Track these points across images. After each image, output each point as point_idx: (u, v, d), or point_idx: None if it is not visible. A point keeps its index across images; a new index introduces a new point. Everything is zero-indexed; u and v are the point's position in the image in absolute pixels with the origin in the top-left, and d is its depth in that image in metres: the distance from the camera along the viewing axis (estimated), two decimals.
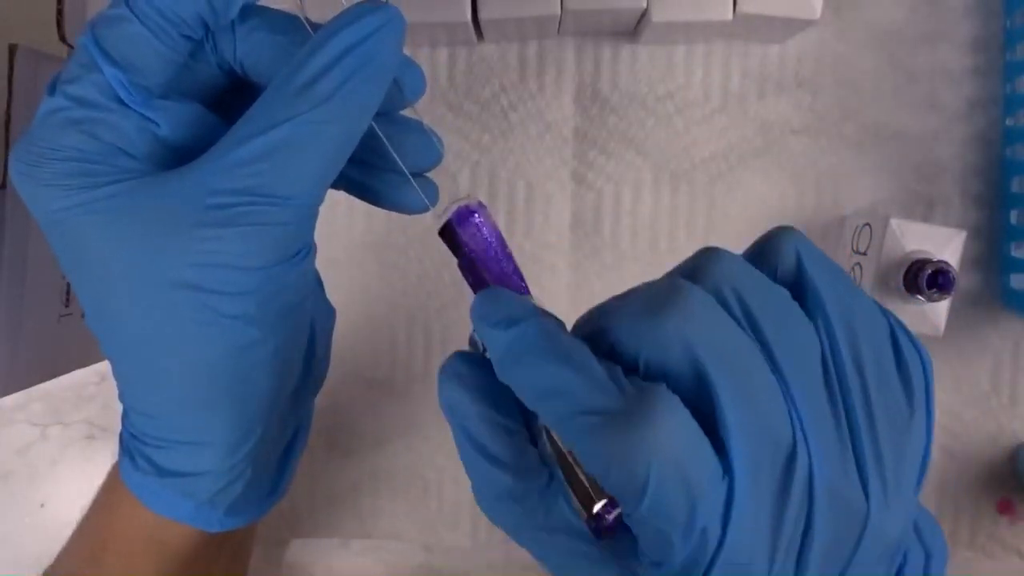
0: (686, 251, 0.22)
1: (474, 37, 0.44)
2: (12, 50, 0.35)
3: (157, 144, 0.24)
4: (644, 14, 0.41)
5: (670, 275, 0.21)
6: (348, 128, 0.23)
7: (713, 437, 0.18)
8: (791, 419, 0.19)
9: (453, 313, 0.46)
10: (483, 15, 0.41)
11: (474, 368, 0.22)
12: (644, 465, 0.17)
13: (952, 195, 0.45)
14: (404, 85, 0.26)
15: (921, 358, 0.20)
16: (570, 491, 0.21)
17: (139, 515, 0.28)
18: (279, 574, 0.47)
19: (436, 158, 0.27)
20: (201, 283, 0.23)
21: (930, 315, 0.40)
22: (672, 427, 0.18)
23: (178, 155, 0.25)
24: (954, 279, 0.37)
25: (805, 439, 0.19)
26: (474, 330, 0.22)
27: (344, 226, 0.46)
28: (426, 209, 0.27)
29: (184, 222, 0.23)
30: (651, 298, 0.20)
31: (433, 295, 0.46)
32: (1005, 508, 0.46)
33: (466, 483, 0.51)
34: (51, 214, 0.24)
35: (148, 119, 0.24)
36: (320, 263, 0.31)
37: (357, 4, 0.23)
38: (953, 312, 0.41)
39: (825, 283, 0.20)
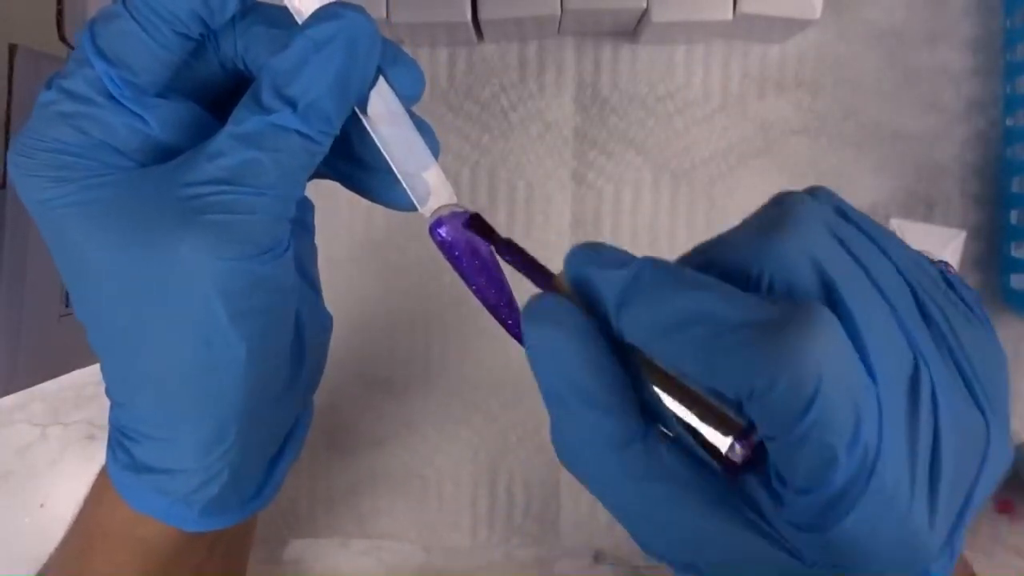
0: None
1: (474, 37, 0.44)
2: (12, 50, 0.35)
3: (148, 142, 0.24)
4: (644, 14, 0.41)
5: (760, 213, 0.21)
6: (317, 131, 0.24)
7: None
8: (908, 342, 0.18)
9: (453, 313, 0.46)
10: (483, 15, 0.41)
11: (569, 311, 0.21)
12: (814, 372, 0.17)
13: (952, 195, 0.45)
14: (396, 86, 0.26)
15: (975, 295, 0.21)
16: (699, 427, 0.19)
17: (121, 510, 0.28)
18: (279, 574, 0.47)
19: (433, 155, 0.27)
20: (170, 277, 0.23)
21: None
22: (834, 334, 0.17)
23: (170, 154, 0.25)
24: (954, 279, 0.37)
25: (925, 362, 0.18)
26: (574, 277, 0.21)
27: (344, 226, 0.46)
28: (415, 208, 0.27)
29: (157, 216, 0.23)
30: (767, 222, 0.19)
31: (433, 295, 0.46)
32: (1005, 508, 0.46)
33: (466, 483, 0.50)
34: (37, 204, 0.24)
35: (139, 117, 0.24)
36: (320, 263, 0.31)
37: (322, 8, 0.24)
38: None
39: (876, 233, 0.21)
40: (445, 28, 0.42)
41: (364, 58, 0.24)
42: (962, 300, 0.20)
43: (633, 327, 0.20)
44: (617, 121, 0.45)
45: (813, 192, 0.22)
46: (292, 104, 0.23)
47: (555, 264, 0.22)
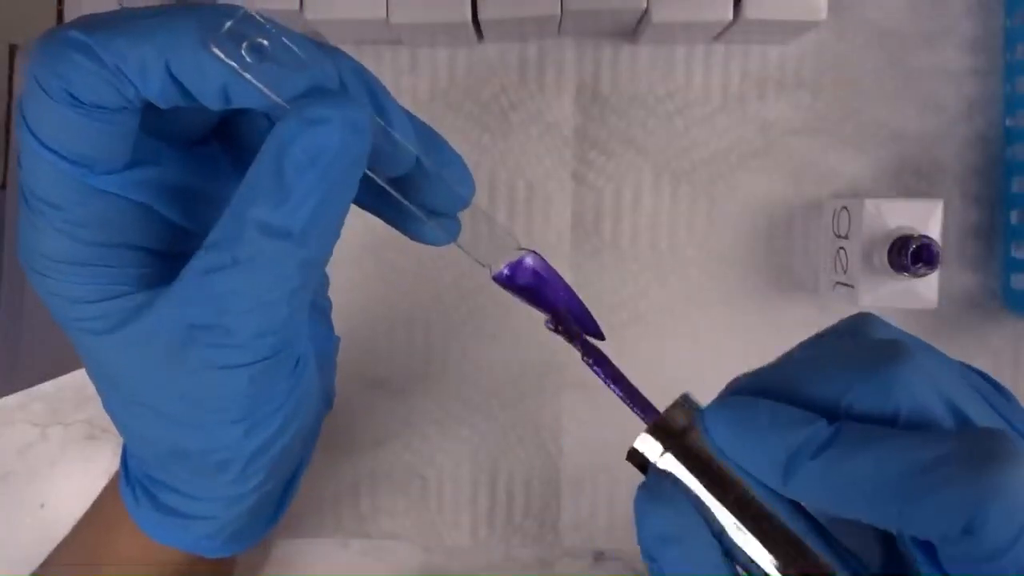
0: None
1: (474, 37, 0.44)
2: (12, 50, 0.35)
3: (153, 216, 0.23)
4: (644, 14, 0.41)
5: (838, 335, 0.21)
6: (317, 249, 0.22)
7: None
8: None
9: (453, 314, 0.46)
10: (483, 15, 0.41)
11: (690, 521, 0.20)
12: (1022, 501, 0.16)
13: (952, 195, 0.45)
14: (454, 191, 0.25)
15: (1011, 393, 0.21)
16: None
17: (138, 538, 0.29)
18: (278, 574, 0.47)
19: (461, 204, 0.26)
20: (188, 388, 0.23)
21: (921, 290, 0.39)
22: None
23: (188, 195, 0.24)
24: (937, 252, 0.36)
25: None
26: (724, 443, 0.20)
27: (344, 226, 0.46)
28: (448, 243, 0.26)
29: (168, 339, 0.22)
30: (875, 353, 0.19)
31: (433, 295, 0.46)
32: None
33: (466, 482, 0.50)
34: (64, 322, 0.23)
35: (126, 199, 0.22)
36: None
37: (306, 107, 0.20)
38: (953, 312, 0.41)
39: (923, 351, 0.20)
40: (445, 28, 0.42)
41: (358, 162, 0.21)
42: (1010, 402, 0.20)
43: (817, 494, 0.19)
44: (617, 121, 0.45)
45: (858, 319, 0.22)
46: (285, 235, 0.21)
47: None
